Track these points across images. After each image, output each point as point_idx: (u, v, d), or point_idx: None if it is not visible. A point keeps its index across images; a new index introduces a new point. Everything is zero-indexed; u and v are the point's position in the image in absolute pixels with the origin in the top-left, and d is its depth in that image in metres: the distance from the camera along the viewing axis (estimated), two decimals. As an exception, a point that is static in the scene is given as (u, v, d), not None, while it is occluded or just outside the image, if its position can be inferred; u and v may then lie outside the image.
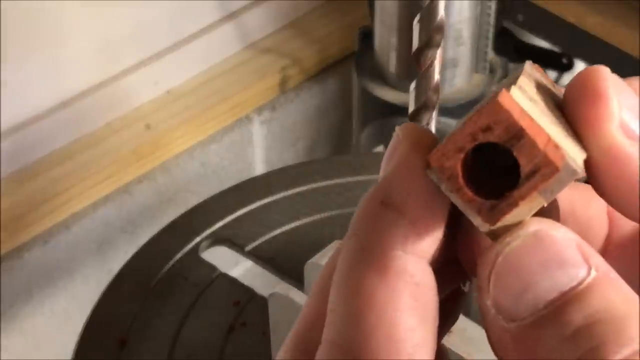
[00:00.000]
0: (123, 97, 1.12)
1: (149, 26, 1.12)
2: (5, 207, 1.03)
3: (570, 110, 0.28)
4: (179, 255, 0.84)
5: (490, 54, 1.14)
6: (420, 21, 0.60)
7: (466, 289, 0.33)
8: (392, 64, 1.12)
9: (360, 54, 1.17)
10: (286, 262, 0.83)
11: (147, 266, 0.83)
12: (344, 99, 1.26)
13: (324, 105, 1.28)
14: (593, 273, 0.26)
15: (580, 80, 0.28)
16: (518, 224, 0.27)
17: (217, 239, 0.85)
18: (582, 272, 0.26)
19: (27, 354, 1.11)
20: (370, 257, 0.27)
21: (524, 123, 0.27)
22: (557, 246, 0.27)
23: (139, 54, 1.13)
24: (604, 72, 0.28)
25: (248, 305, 0.80)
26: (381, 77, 1.13)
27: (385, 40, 1.12)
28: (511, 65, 1.16)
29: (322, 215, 0.87)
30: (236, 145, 1.21)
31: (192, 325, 0.78)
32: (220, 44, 1.19)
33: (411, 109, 0.64)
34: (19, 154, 1.06)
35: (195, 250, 0.84)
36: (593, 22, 1.15)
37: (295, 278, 0.78)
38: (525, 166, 0.27)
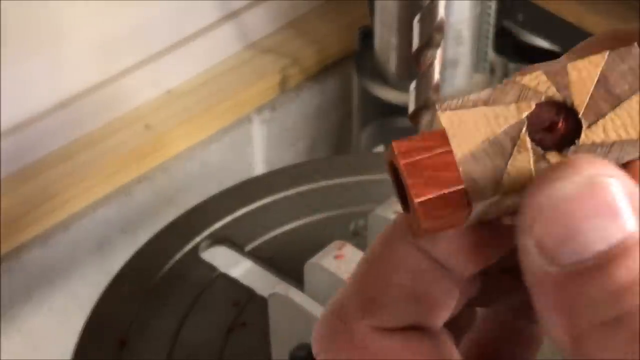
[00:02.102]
0: (123, 97, 1.12)
1: (149, 26, 1.12)
2: (5, 207, 1.03)
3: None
4: (178, 256, 0.84)
5: (490, 54, 1.14)
6: (420, 21, 0.60)
7: None
8: (392, 64, 1.12)
9: (360, 54, 1.17)
10: (286, 262, 0.83)
11: (146, 266, 0.83)
12: (344, 99, 1.26)
13: (324, 105, 1.28)
14: (637, 230, 0.26)
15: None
16: (569, 164, 0.26)
17: (217, 239, 0.85)
18: (633, 227, 0.26)
19: (27, 354, 1.11)
20: None
21: (404, 175, 0.27)
22: (610, 196, 0.26)
23: (139, 54, 1.13)
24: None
25: (248, 305, 0.80)
26: (381, 77, 1.13)
27: (385, 40, 1.12)
28: (511, 65, 1.16)
29: (322, 215, 0.87)
30: (236, 145, 1.21)
31: (192, 325, 0.78)
32: (220, 44, 1.19)
33: (411, 109, 0.64)
34: (19, 154, 1.06)
35: (195, 250, 0.84)
36: (593, 22, 1.15)
37: (295, 278, 0.78)
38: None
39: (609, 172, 0.26)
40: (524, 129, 0.28)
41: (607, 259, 0.26)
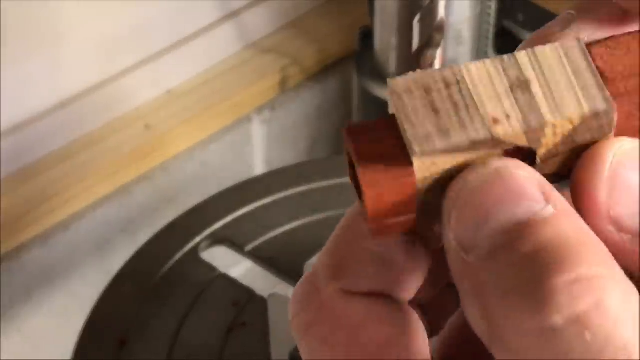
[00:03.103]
0: (123, 97, 1.12)
1: (149, 26, 1.12)
2: (5, 207, 1.03)
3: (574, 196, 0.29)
4: (178, 256, 0.84)
5: (490, 54, 1.14)
6: (420, 21, 0.60)
7: None
8: (392, 64, 1.12)
9: (360, 54, 1.17)
10: (286, 262, 0.83)
11: (146, 266, 0.83)
12: (344, 98, 1.26)
13: (324, 105, 1.28)
14: (550, 209, 0.27)
15: (578, 178, 0.29)
16: (479, 163, 0.28)
17: (217, 239, 0.85)
18: (540, 207, 0.27)
19: (27, 354, 1.11)
20: None
21: (359, 173, 0.29)
22: (518, 182, 0.27)
23: (139, 53, 1.13)
24: (599, 167, 0.29)
25: (248, 305, 0.80)
26: (381, 77, 1.13)
27: (385, 40, 1.12)
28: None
29: (322, 215, 0.87)
30: (236, 145, 1.21)
31: (192, 326, 0.78)
32: (220, 44, 1.19)
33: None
34: (19, 154, 1.06)
35: (195, 250, 0.84)
36: (593, 22, 1.15)
37: (295, 278, 0.78)
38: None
39: (517, 165, 0.28)
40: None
41: (514, 235, 0.26)
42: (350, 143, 0.29)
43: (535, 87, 0.30)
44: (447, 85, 0.29)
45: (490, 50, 1.14)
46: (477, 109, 0.29)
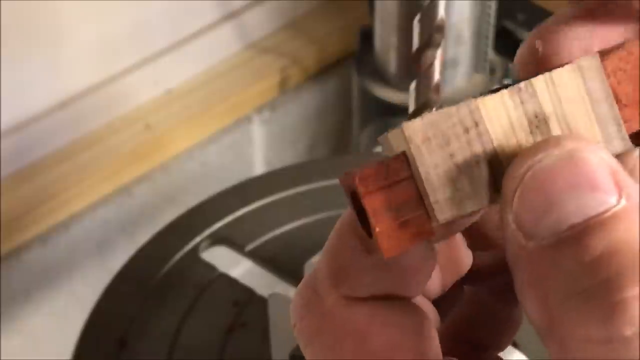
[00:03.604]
0: (123, 97, 1.12)
1: (149, 25, 1.12)
2: (5, 207, 1.03)
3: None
4: (178, 256, 0.84)
5: (490, 54, 1.14)
6: (420, 21, 0.60)
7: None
8: (392, 64, 1.12)
9: (360, 54, 1.17)
10: (286, 262, 0.83)
11: (146, 266, 0.83)
12: (344, 99, 1.26)
13: (324, 104, 1.28)
14: (623, 202, 0.25)
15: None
16: (552, 140, 0.26)
17: (217, 239, 0.85)
18: (611, 199, 0.25)
19: (27, 354, 1.11)
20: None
21: (366, 205, 0.27)
22: (590, 169, 0.26)
23: (139, 53, 1.13)
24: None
25: (248, 305, 0.80)
26: (381, 77, 1.13)
27: (385, 40, 1.12)
28: (511, 66, 1.16)
29: (322, 215, 0.87)
30: (236, 145, 1.21)
31: (192, 325, 0.78)
32: (220, 44, 1.19)
33: (411, 109, 0.64)
34: (19, 154, 1.06)
35: (195, 250, 0.84)
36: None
37: (295, 278, 0.78)
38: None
39: (591, 148, 0.26)
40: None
41: (583, 230, 0.25)
42: (363, 195, 0.27)
43: (554, 125, 0.28)
44: (466, 130, 0.28)
45: (490, 50, 1.14)
46: (498, 162, 0.27)
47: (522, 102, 0.28)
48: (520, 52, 0.30)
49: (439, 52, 0.61)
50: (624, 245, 0.25)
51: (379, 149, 1.14)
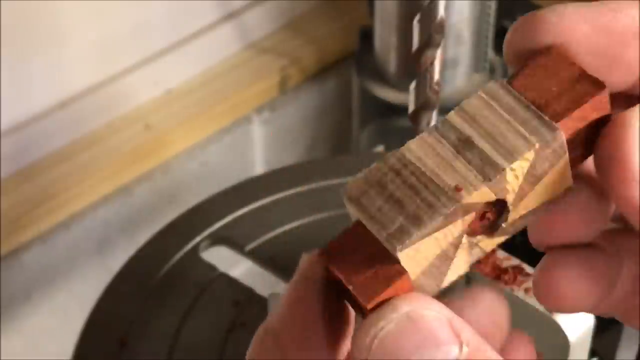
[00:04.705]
0: (123, 97, 1.12)
1: (148, 26, 1.12)
2: (5, 207, 1.03)
3: (598, 169, 0.30)
4: (178, 255, 0.84)
5: (490, 54, 1.14)
6: (420, 21, 0.60)
7: None
8: (392, 64, 1.12)
9: (360, 54, 1.17)
10: (286, 262, 0.83)
11: (146, 266, 0.83)
12: (344, 99, 1.26)
13: (323, 105, 1.28)
14: (465, 349, 0.27)
15: (606, 143, 0.29)
16: (388, 305, 0.28)
17: (217, 239, 0.85)
18: (454, 350, 0.27)
19: (27, 354, 1.11)
20: None
21: (351, 287, 0.29)
22: (430, 326, 0.27)
23: (139, 53, 1.13)
24: (628, 131, 0.29)
25: (248, 305, 0.80)
26: (381, 77, 1.13)
27: (385, 40, 1.12)
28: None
29: (322, 215, 0.87)
30: (236, 145, 1.21)
31: (192, 325, 0.78)
32: (220, 44, 1.19)
33: (411, 109, 0.64)
34: (19, 154, 1.06)
35: (195, 250, 0.84)
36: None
37: (295, 278, 0.78)
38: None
39: (424, 305, 0.28)
40: (465, 235, 0.30)
41: None
42: (336, 271, 0.29)
43: (479, 141, 0.30)
44: (398, 173, 0.29)
45: (490, 50, 1.14)
46: (436, 184, 0.29)
47: (442, 136, 0.30)
48: (510, 39, 0.32)
49: (438, 52, 0.61)
50: None
51: (379, 148, 1.14)
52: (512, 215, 0.31)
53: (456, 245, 0.30)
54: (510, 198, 0.30)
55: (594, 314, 0.34)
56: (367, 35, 1.15)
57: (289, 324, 0.30)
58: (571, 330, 0.68)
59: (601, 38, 0.31)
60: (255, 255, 0.84)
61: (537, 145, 0.29)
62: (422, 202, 0.29)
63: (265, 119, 1.22)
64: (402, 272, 0.29)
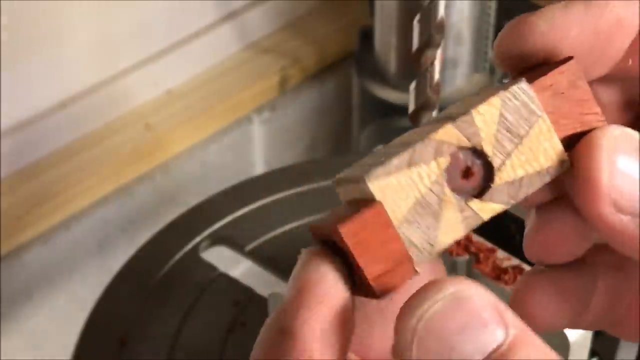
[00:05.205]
0: (123, 97, 1.12)
1: (148, 26, 1.12)
2: (5, 207, 1.03)
3: (570, 189, 0.31)
4: (179, 255, 0.84)
5: (490, 54, 1.14)
6: (420, 21, 0.60)
7: None
8: (392, 64, 1.12)
9: (360, 54, 1.17)
10: (286, 262, 0.83)
11: (147, 266, 0.83)
12: (344, 99, 1.26)
13: (324, 105, 1.28)
14: (512, 332, 0.27)
15: (577, 163, 0.31)
16: (433, 285, 0.29)
17: (217, 239, 0.85)
18: (501, 333, 0.27)
19: (27, 354, 1.11)
20: None
21: (355, 256, 0.30)
22: (476, 307, 0.28)
23: (139, 53, 1.13)
24: (597, 152, 0.30)
25: (248, 305, 0.80)
26: (381, 77, 1.13)
27: (385, 40, 1.12)
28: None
29: (322, 215, 0.87)
30: (236, 145, 1.21)
31: (192, 325, 0.78)
32: (220, 44, 1.19)
33: (411, 109, 0.64)
34: (19, 154, 1.06)
35: (195, 250, 0.84)
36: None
37: (295, 278, 0.78)
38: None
39: (470, 286, 0.28)
40: (446, 183, 0.31)
41: None
42: (346, 239, 0.30)
43: (459, 110, 0.31)
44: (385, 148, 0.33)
45: (490, 50, 1.14)
46: (413, 139, 0.31)
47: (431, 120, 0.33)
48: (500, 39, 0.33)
49: (438, 52, 0.61)
50: None
51: (378, 148, 1.14)
52: (502, 177, 0.31)
53: (439, 195, 0.30)
54: (488, 149, 0.31)
55: (578, 329, 0.35)
56: (367, 35, 1.15)
57: (307, 319, 0.30)
58: (571, 330, 0.68)
59: (589, 38, 0.32)
60: (255, 255, 0.84)
61: (501, 92, 0.31)
62: (398, 149, 0.31)
63: (265, 119, 1.22)
64: (374, 201, 0.30)
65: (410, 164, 0.30)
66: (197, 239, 0.85)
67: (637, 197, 0.30)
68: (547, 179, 0.32)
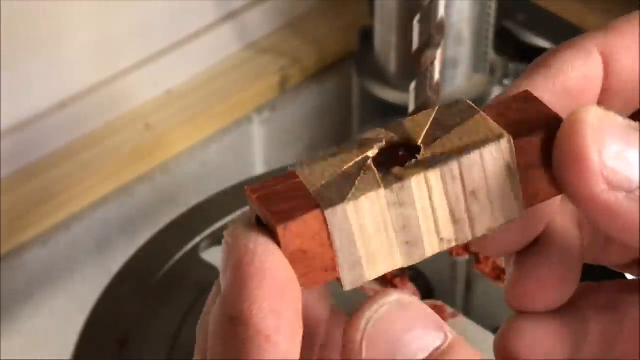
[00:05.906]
0: (122, 97, 1.12)
1: (148, 26, 1.12)
2: (5, 207, 1.03)
3: (557, 173, 0.30)
4: (178, 255, 0.84)
5: (490, 54, 1.14)
6: (420, 21, 0.60)
7: None
8: (392, 64, 1.12)
9: (360, 54, 1.16)
10: (286, 262, 0.83)
11: (146, 266, 0.83)
12: (344, 99, 1.26)
13: (323, 105, 1.28)
14: (450, 335, 0.29)
15: (562, 142, 0.30)
16: (380, 293, 0.30)
17: (217, 239, 0.85)
18: (441, 335, 0.29)
19: (27, 354, 1.11)
20: None
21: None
22: (418, 312, 0.30)
23: (139, 53, 1.13)
24: (583, 127, 0.30)
25: (248, 305, 0.80)
26: (381, 77, 1.13)
27: (385, 40, 1.12)
28: (511, 66, 1.16)
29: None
30: (236, 145, 1.21)
31: (192, 325, 0.78)
32: (220, 44, 1.19)
33: (411, 109, 0.64)
34: (19, 153, 1.06)
35: (195, 250, 0.84)
36: (594, 22, 1.15)
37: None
38: None
39: (410, 297, 0.30)
40: (369, 161, 0.32)
41: None
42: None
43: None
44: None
45: (490, 50, 1.14)
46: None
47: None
48: None
49: (438, 52, 0.61)
50: None
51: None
52: (428, 151, 0.31)
53: (360, 167, 0.32)
54: (417, 139, 0.32)
55: None
56: (367, 35, 1.15)
57: (254, 301, 0.30)
58: None
59: (563, 100, 0.33)
60: (255, 255, 0.84)
61: (437, 106, 0.33)
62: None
63: (265, 119, 1.22)
64: (293, 172, 0.33)
65: (334, 154, 0.32)
66: (197, 239, 0.85)
67: (631, 171, 0.29)
68: (485, 150, 0.31)
